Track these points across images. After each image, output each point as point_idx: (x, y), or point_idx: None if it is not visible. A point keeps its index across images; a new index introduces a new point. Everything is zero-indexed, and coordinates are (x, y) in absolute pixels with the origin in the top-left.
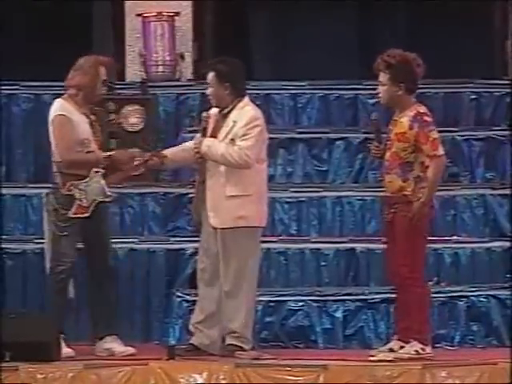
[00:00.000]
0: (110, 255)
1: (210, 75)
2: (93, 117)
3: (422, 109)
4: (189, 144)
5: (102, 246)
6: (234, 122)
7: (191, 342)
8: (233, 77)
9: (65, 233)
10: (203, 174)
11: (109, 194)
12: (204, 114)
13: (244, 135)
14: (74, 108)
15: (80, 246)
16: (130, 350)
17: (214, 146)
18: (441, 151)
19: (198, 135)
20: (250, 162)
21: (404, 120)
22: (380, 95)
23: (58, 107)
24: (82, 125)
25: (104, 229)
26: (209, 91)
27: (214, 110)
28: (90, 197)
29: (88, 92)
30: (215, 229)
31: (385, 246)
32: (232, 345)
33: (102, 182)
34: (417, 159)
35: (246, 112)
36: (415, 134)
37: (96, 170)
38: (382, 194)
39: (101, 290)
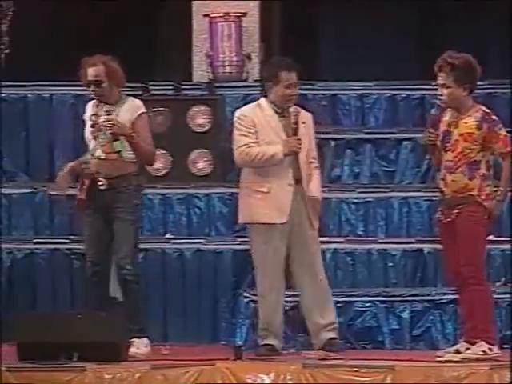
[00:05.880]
0: (131, 257)
1: (293, 75)
2: (104, 117)
3: (486, 108)
4: None
5: (117, 247)
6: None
7: (267, 342)
8: None
9: (85, 224)
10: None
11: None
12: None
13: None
14: (93, 106)
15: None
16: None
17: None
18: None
19: None
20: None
21: (469, 120)
22: (442, 97)
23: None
24: (87, 124)
25: (122, 230)
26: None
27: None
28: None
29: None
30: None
31: (442, 247)
32: (334, 338)
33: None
34: (483, 158)
35: None
36: (485, 134)
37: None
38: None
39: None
